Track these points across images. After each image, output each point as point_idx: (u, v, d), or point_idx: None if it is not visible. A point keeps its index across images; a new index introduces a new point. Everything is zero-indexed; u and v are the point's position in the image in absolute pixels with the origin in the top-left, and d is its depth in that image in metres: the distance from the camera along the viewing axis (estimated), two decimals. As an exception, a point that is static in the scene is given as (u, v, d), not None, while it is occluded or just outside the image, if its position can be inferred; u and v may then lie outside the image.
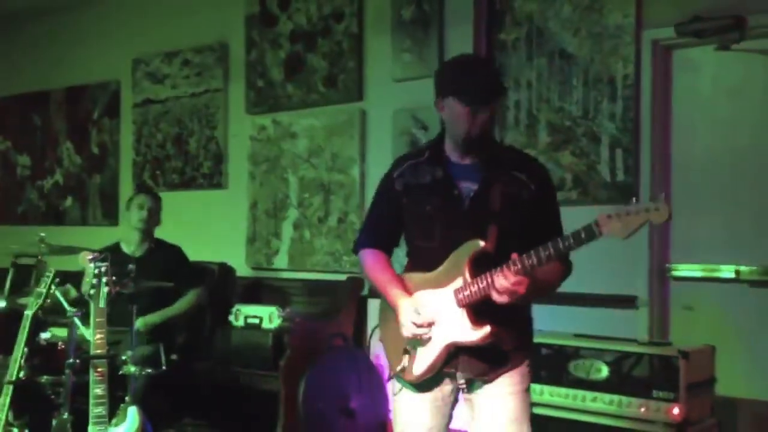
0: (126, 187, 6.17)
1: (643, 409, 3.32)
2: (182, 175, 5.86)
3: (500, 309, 2.31)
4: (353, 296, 4.73)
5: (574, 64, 4.21)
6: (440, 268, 2.41)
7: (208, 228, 5.65)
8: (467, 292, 2.33)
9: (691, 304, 3.99)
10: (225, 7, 5.61)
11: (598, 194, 4.10)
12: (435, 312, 2.39)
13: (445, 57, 4.56)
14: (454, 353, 2.41)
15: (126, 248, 4.42)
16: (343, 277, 4.85)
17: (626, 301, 4.00)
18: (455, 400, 2.56)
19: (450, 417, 2.57)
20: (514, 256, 2.24)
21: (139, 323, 3.93)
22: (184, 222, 5.66)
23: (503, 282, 2.24)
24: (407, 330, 2.41)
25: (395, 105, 4.76)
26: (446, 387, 2.51)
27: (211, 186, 5.70)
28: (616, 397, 3.41)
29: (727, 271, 3.87)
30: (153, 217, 4.44)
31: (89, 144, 6.49)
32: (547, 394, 3.58)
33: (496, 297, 2.27)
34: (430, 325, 2.38)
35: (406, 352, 2.45)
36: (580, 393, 3.50)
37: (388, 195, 2.58)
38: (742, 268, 3.83)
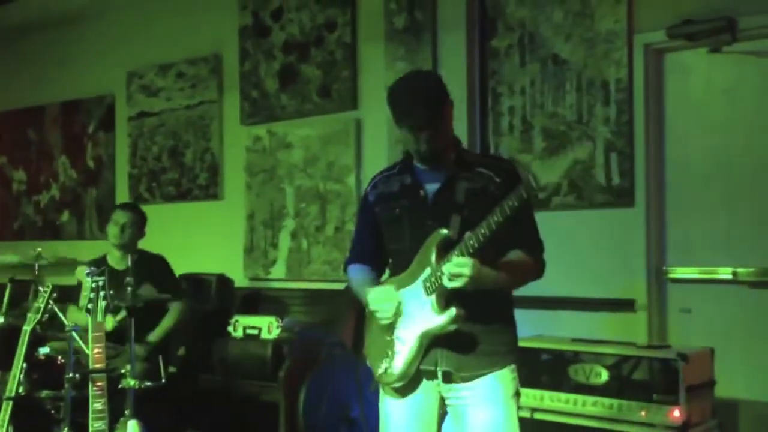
0: (122, 200, 6.16)
1: (643, 413, 3.32)
2: (178, 187, 5.86)
3: (474, 302, 2.34)
4: (352, 305, 4.72)
5: (567, 69, 4.23)
6: (411, 266, 2.46)
7: (205, 239, 5.65)
8: (433, 279, 2.37)
9: (689, 307, 3.99)
10: (218, 18, 5.63)
11: (594, 198, 4.11)
12: (408, 309, 2.43)
13: (438, 64, 4.58)
14: (429, 345, 2.42)
15: (111, 261, 4.41)
16: (341, 286, 4.83)
17: (624, 305, 4.00)
18: (442, 412, 2.54)
19: (440, 415, 2.55)
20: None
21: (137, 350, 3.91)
22: (181, 234, 5.67)
23: (448, 266, 2.27)
24: (380, 313, 2.45)
25: (389, 113, 4.75)
26: (430, 394, 2.50)
27: (208, 197, 5.71)
28: (616, 401, 3.40)
29: (724, 273, 3.87)
30: (130, 232, 4.40)
31: (85, 158, 6.49)
32: (547, 399, 3.58)
33: (447, 282, 2.29)
34: (399, 305, 2.42)
35: (385, 354, 2.48)
36: (581, 398, 3.50)
37: (365, 210, 2.67)
38: (740, 269, 3.83)
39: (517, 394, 2.50)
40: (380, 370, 2.51)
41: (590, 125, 4.15)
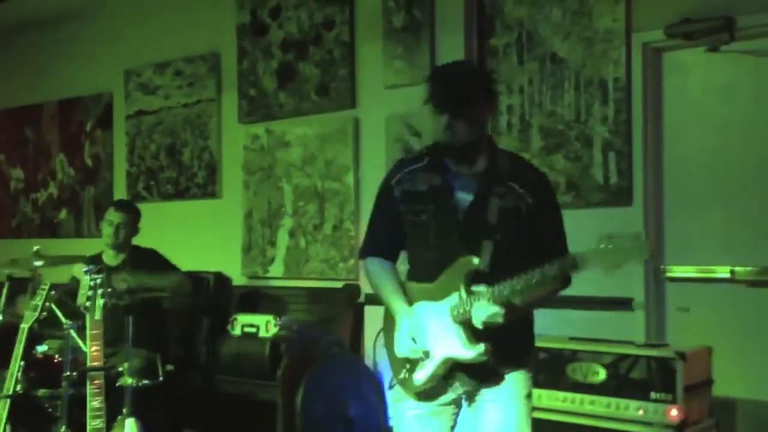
0: (120, 198, 6.16)
1: (641, 412, 3.33)
2: (176, 186, 5.85)
3: (499, 330, 2.33)
4: (350, 303, 4.73)
5: (565, 68, 4.23)
6: (437, 281, 2.43)
7: (203, 238, 5.64)
8: (461, 310, 2.35)
9: (687, 306, 3.99)
10: (216, 17, 5.62)
11: (591, 197, 4.11)
12: (432, 326, 2.41)
13: (436, 63, 4.57)
14: (452, 367, 2.42)
15: (105, 258, 4.41)
16: (339, 285, 4.85)
17: (622, 304, 4.00)
18: (458, 408, 2.55)
19: (453, 424, 2.57)
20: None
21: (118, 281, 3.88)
22: (179, 232, 5.67)
23: (478, 311, 2.29)
24: (401, 352, 2.46)
25: (388, 112, 4.77)
26: (447, 396, 2.51)
27: (206, 196, 5.70)
28: (614, 400, 3.41)
29: (722, 272, 3.87)
30: (124, 233, 4.40)
31: (83, 156, 6.49)
32: (545, 398, 3.58)
33: (477, 324, 2.31)
34: (425, 353, 2.42)
35: (407, 362, 2.48)
36: (578, 396, 3.50)
37: (387, 202, 2.58)
38: (738, 268, 3.83)
39: (530, 396, 2.51)
40: (402, 375, 2.51)
41: (588, 124, 4.15)
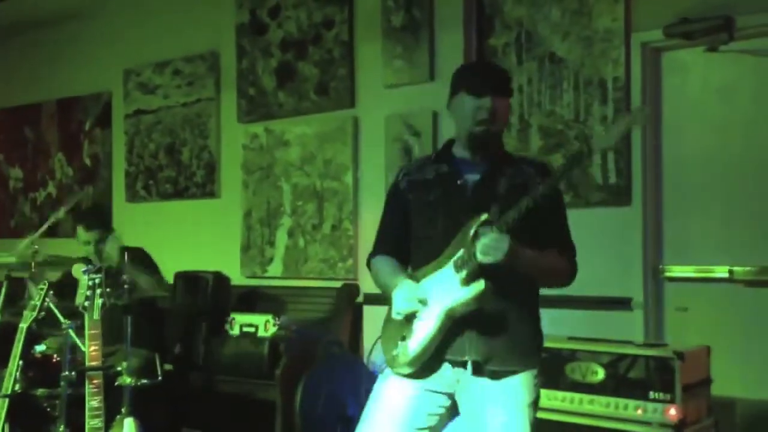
0: (119, 198, 6.16)
1: (639, 411, 3.32)
2: (175, 185, 5.85)
3: (506, 282, 2.30)
4: (348, 303, 4.73)
5: (564, 67, 4.23)
6: (444, 252, 2.38)
7: (202, 237, 5.64)
8: (465, 257, 2.30)
9: (686, 305, 3.99)
10: (215, 16, 5.62)
11: (590, 197, 4.11)
12: (434, 288, 2.36)
13: (436, 62, 4.58)
14: (455, 330, 2.34)
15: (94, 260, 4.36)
16: (338, 284, 4.85)
17: (621, 303, 4.01)
18: (449, 409, 2.47)
19: (439, 419, 2.46)
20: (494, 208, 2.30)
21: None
22: (178, 232, 5.66)
23: (483, 240, 2.22)
24: (396, 307, 2.39)
25: (387, 111, 4.77)
26: (441, 379, 2.41)
27: (205, 195, 5.70)
28: (612, 400, 3.40)
29: (720, 272, 3.87)
30: (102, 247, 4.28)
31: (81, 155, 6.49)
32: (544, 398, 3.55)
33: (480, 256, 2.22)
34: (421, 301, 2.35)
35: (401, 338, 2.40)
36: (577, 396, 3.50)
37: (395, 201, 2.59)
38: (736, 268, 3.84)
39: (535, 403, 2.44)
40: (393, 353, 2.43)
41: (587, 124, 4.15)
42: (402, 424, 2.41)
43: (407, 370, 2.42)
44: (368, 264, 2.65)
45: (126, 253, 4.29)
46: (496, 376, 2.38)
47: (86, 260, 4.15)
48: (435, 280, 2.38)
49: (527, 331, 2.45)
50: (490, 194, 2.39)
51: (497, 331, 2.36)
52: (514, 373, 2.40)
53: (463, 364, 2.38)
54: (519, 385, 2.41)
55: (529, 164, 2.53)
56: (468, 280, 2.29)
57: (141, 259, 4.41)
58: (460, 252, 2.32)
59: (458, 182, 2.45)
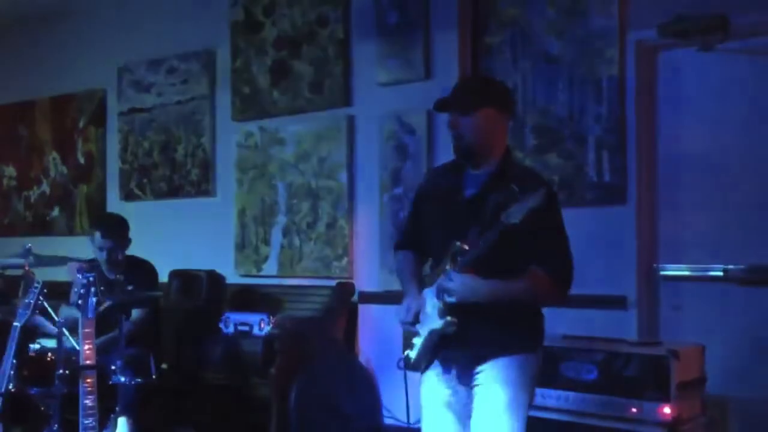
0: (113, 196, 6.15)
1: (634, 410, 3.33)
2: (170, 184, 5.84)
3: (480, 309, 2.47)
4: (343, 302, 4.73)
5: (559, 66, 4.23)
6: (437, 269, 2.59)
7: (196, 236, 5.63)
8: (441, 287, 2.52)
9: (680, 304, 4.00)
10: (210, 14, 5.60)
11: (585, 195, 4.12)
12: (427, 306, 2.60)
13: (430, 61, 4.57)
14: (440, 344, 2.56)
15: (104, 269, 4.27)
16: (332, 283, 4.84)
17: (615, 302, 4.01)
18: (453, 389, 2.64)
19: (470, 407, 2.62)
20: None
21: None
22: (173, 230, 5.65)
23: (441, 282, 2.49)
24: (399, 317, 2.67)
25: (382, 109, 4.76)
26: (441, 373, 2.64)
27: (199, 194, 5.69)
28: (606, 398, 3.41)
29: (715, 271, 3.88)
30: (116, 253, 4.23)
31: (76, 153, 6.46)
32: (538, 395, 3.57)
33: (446, 298, 2.48)
34: (414, 322, 2.62)
35: (409, 345, 2.66)
36: (571, 394, 3.51)
37: (417, 198, 2.83)
38: (730, 267, 3.85)
39: (531, 383, 2.58)
40: (407, 353, 2.68)
41: (582, 123, 4.15)
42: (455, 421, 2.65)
43: (416, 370, 2.68)
44: (395, 248, 2.90)
45: (135, 270, 4.24)
46: (485, 359, 2.54)
47: (90, 262, 4.14)
48: (430, 295, 2.60)
49: (510, 337, 2.56)
50: (476, 214, 2.50)
51: (471, 352, 2.55)
52: (508, 354, 2.53)
53: (449, 371, 2.61)
54: (508, 361, 2.53)
55: (522, 180, 2.47)
56: (441, 314, 2.52)
57: (144, 279, 4.25)
58: (442, 278, 2.53)
59: (459, 198, 2.59)
